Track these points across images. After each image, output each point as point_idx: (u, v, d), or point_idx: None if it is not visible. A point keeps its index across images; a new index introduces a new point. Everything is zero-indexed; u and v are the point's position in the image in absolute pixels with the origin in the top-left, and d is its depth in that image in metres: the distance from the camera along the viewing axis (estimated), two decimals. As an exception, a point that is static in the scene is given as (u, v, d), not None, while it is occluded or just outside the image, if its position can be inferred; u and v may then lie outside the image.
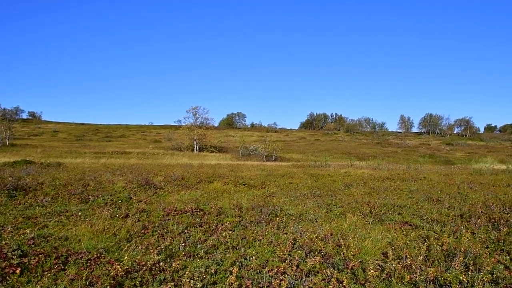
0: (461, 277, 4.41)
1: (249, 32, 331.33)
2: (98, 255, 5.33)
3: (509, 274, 4.84)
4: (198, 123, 60.87)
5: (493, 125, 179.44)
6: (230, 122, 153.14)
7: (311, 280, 4.59)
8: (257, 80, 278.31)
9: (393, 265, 4.81)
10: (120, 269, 4.56)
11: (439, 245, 5.76)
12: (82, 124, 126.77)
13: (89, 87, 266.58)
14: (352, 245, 5.58)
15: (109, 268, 4.70)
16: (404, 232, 6.94)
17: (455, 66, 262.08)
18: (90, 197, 9.77)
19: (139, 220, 7.61)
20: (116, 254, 5.55)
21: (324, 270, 4.82)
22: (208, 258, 5.41)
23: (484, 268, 4.76)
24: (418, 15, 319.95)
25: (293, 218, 7.96)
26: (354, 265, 5.01)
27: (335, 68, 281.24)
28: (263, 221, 7.59)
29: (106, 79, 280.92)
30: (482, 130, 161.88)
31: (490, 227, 7.18)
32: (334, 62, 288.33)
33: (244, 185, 13.90)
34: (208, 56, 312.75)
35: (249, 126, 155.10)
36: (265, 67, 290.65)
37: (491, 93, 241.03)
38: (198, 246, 5.95)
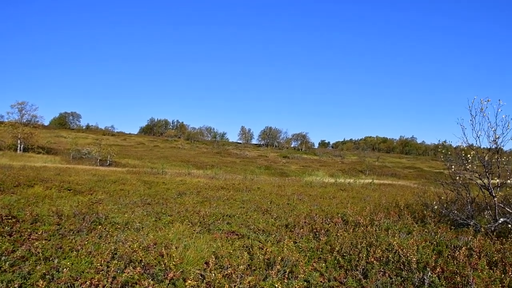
0: (277, 285, 4.72)
1: (90, 29, 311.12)
2: None
3: (323, 281, 5.35)
4: (24, 120, 55.20)
5: (326, 141, 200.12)
6: (62, 122, 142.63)
7: (127, 291, 4.50)
8: (96, 80, 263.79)
9: (214, 274, 4.93)
10: None
11: (262, 254, 6.10)
12: None
13: None
14: (175, 254, 5.61)
15: None
16: (230, 242, 7.23)
17: (295, 83, 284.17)
18: None
19: None
20: None
21: (143, 281, 4.74)
22: (13, 271, 4.96)
23: (300, 275, 5.17)
24: (257, 29, 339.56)
25: (119, 226, 7.75)
26: (174, 275, 5.02)
27: (178, 74, 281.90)
28: (84, 230, 7.28)
29: None
30: (316, 145, 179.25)
31: (311, 236, 7.85)
32: (177, 68, 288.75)
33: (70, 190, 13.18)
34: (39, 50, 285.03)
35: (84, 127, 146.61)
36: (106, 68, 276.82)
37: (325, 111, 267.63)
38: (3, 258, 5.38)
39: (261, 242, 7.28)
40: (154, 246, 6.31)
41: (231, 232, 8.09)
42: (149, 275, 5.10)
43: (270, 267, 5.66)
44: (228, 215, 9.84)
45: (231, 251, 6.40)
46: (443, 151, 10.89)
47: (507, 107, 9.16)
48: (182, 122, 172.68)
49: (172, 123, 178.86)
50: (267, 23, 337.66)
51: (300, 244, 7.12)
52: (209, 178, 25.32)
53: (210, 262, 5.33)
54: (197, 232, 7.74)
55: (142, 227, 7.89)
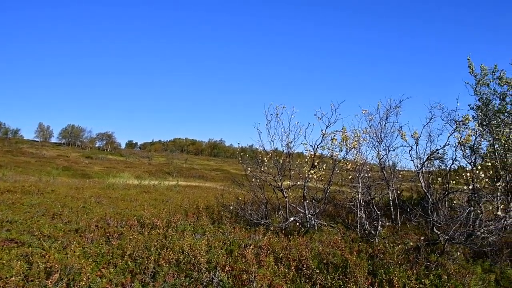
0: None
1: None
2: None
3: (109, 287, 5.24)
4: None
5: (134, 141, 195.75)
6: None
7: None
8: None
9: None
10: None
11: (43, 262, 5.68)
12: None
13: None
14: None
15: None
16: (6, 251, 6.55)
17: (101, 80, 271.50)
18: None
19: None
20: None
21: None
22: None
23: (83, 282, 4.98)
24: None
25: None
26: None
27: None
28: None
29: None
30: (123, 145, 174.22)
31: (103, 240, 7.62)
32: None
33: None
34: None
35: None
36: None
37: (133, 111, 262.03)
38: None
39: (44, 250, 6.78)
40: None
41: (9, 240, 7.35)
42: None
43: (52, 276, 5.32)
44: (9, 221, 8.91)
45: (5, 261, 5.82)
46: (241, 153, 11.68)
47: (300, 114, 10.27)
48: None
49: None
50: (68, 17, 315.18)
51: (89, 250, 6.83)
52: (-6, 180, 22.67)
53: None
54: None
55: None
